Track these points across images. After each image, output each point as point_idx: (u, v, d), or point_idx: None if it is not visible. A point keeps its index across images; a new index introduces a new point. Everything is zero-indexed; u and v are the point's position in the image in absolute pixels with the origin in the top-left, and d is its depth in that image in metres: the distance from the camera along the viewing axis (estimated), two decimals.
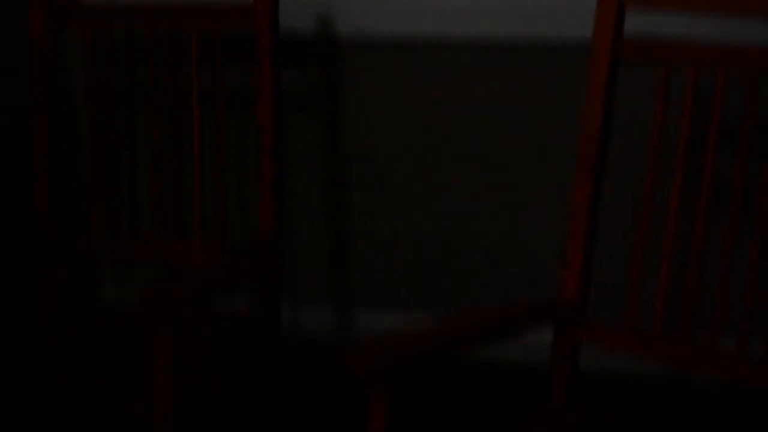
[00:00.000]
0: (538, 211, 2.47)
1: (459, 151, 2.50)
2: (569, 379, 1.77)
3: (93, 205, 2.17)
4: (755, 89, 1.60)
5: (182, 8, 2.10)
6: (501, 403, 2.44)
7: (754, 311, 1.66)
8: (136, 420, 1.74)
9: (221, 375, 1.92)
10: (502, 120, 2.45)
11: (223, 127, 2.10)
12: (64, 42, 2.53)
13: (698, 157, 2.34)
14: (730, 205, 2.33)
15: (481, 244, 2.55)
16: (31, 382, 1.86)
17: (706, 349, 1.64)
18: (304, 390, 2.56)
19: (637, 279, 1.73)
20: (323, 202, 2.62)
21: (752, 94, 1.61)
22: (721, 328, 1.65)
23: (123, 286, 2.74)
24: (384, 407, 1.42)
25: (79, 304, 2.68)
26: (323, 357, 2.67)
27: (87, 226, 2.18)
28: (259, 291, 2.12)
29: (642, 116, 2.34)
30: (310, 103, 2.54)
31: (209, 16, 2.08)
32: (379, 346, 1.41)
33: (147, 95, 2.30)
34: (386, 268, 2.62)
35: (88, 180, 2.19)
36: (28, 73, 2.26)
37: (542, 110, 2.42)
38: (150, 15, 2.11)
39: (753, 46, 1.59)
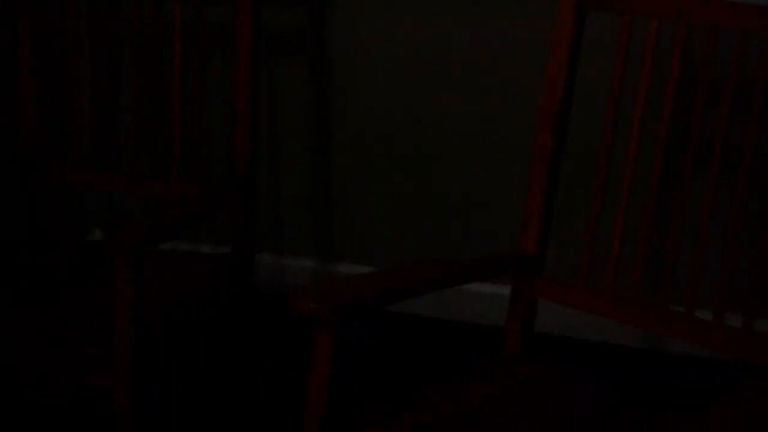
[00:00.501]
0: (515, 162, 2.48)
1: (435, 92, 2.49)
2: (524, 332, 1.77)
3: (76, 137, 2.18)
4: (715, 42, 1.60)
5: None
6: (461, 357, 2.46)
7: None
8: (96, 355, 1.75)
9: (186, 309, 1.93)
10: (483, 61, 2.44)
11: (204, 65, 2.10)
12: None
13: (676, 112, 2.33)
14: (704, 161, 2.32)
15: (458, 195, 2.55)
16: None
17: (657, 307, 1.65)
18: (269, 333, 2.59)
19: (591, 237, 1.73)
20: (305, 143, 2.62)
21: (712, 47, 1.60)
22: (679, 287, 1.65)
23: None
24: (327, 346, 1.43)
25: (62, 237, 2.69)
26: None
27: (70, 158, 2.20)
28: (233, 231, 2.13)
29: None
30: (294, 44, 2.54)
31: None
32: (321, 289, 1.43)
33: (131, 30, 2.29)
34: (367, 221, 2.63)
35: (74, 109, 2.19)
36: None
37: (519, 52, 2.41)
38: None
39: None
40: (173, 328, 1.91)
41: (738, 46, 1.58)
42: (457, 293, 2.60)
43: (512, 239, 2.52)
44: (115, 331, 1.72)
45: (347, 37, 2.50)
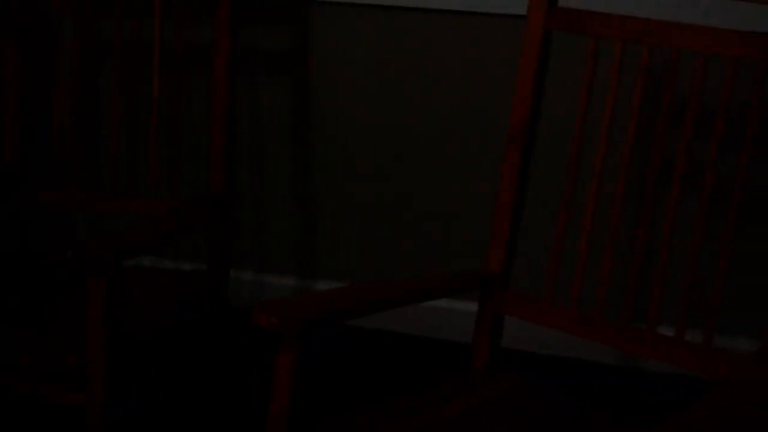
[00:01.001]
0: (485, 180, 2.49)
1: (410, 111, 2.51)
2: (492, 347, 1.79)
3: (57, 156, 2.19)
4: (678, 63, 1.62)
5: None
6: (433, 372, 2.47)
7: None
8: (68, 361, 1.77)
9: (164, 321, 1.94)
10: (456, 80, 2.45)
11: (183, 84, 2.11)
12: None
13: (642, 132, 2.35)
14: (672, 182, 2.33)
15: (436, 211, 2.56)
16: None
17: (620, 324, 1.66)
18: (247, 346, 2.59)
19: (557, 255, 1.74)
20: (287, 159, 2.63)
21: (675, 67, 1.62)
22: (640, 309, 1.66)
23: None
24: (290, 363, 1.44)
25: (50, 253, 2.70)
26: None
27: (51, 178, 2.21)
28: (209, 248, 2.14)
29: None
30: (279, 61, 2.55)
31: None
32: (284, 305, 1.44)
33: (112, 50, 2.31)
34: (346, 239, 2.64)
35: (55, 127, 2.21)
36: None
37: (492, 74, 2.43)
38: None
39: (676, 22, 1.60)
40: (152, 339, 1.92)
41: (700, 66, 1.59)
42: (429, 310, 2.63)
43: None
44: (87, 342, 1.74)
45: (326, 57, 2.52)
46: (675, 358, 1.62)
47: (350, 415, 1.59)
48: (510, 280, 1.79)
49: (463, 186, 2.52)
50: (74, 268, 2.19)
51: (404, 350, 2.59)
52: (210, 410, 2.29)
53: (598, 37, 1.67)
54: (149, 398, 2.38)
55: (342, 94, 2.54)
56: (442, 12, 2.41)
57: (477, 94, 2.45)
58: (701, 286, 2.40)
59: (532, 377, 2.46)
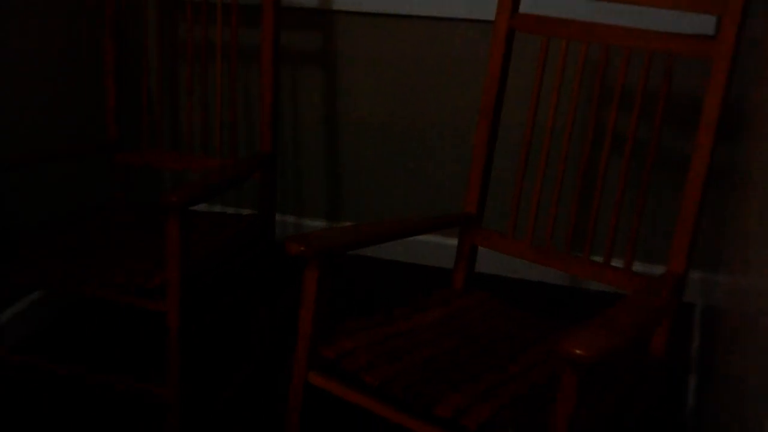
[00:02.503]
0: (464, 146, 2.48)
1: (410, 94, 2.50)
2: (468, 271, 1.79)
3: (147, 129, 2.19)
4: (606, 57, 1.60)
5: None
6: (423, 289, 2.48)
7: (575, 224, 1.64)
8: (152, 282, 1.77)
9: (223, 252, 1.95)
10: (443, 70, 2.44)
11: (239, 72, 2.11)
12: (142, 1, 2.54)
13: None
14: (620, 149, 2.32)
15: (429, 167, 2.56)
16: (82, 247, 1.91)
17: (563, 253, 1.66)
18: (287, 274, 2.60)
19: (516, 202, 1.74)
20: (318, 131, 2.63)
21: (604, 59, 1.61)
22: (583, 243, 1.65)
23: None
24: (314, 279, 1.45)
25: (141, 200, 2.71)
26: None
27: (141, 142, 2.23)
28: (259, 196, 2.14)
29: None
30: (312, 56, 2.55)
31: None
32: (306, 236, 1.44)
33: (186, 47, 2.31)
34: (363, 190, 2.64)
35: (144, 107, 2.21)
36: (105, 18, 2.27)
37: (469, 65, 2.41)
38: None
39: (608, 24, 1.58)
40: (214, 268, 1.93)
41: (624, 57, 1.58)
42: (422, 242, 2.64)
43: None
44: (167, 270, 1.75)
45: (347, 52, 2.51)
46: (604, 278, 1.62)
47: (357, 319, 1.60)
48: (482, 219, 1.78)
49: (450, 149, 2.52)
50: (158, 211, 2.20)
51: (402, 274, 2.60)
52: (257, 316, 2.30)
53: (549, 35, 1.66)
54: (214, 309, 2.40)
55: (359, 80, 2.53)
56: (437, 19, 2.40)
57: (463, 79, 2.44)
58: (624, 225, 2.40)
59: (497, 294, 2.46)
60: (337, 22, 2.49)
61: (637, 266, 2.46)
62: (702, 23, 2.15)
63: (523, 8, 2.26)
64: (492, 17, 2.31)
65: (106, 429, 1.89)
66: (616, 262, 2.40)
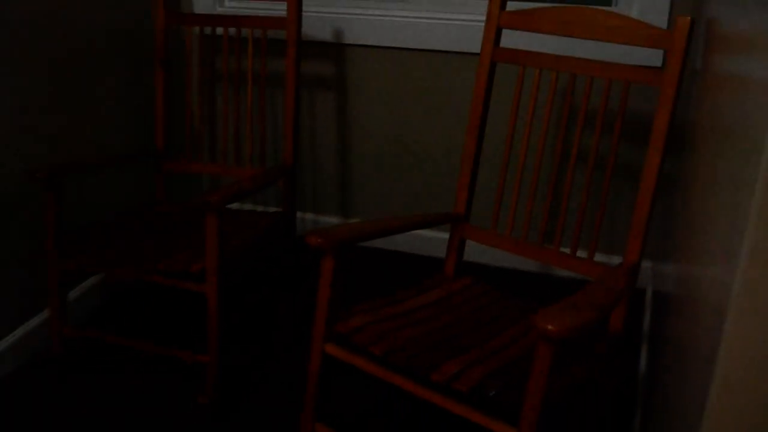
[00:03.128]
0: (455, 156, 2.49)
1: (410, 114, 2.50)
2: (457, 260, 1.79)
3: (189, 142, 2.19)
4: (572, 84, 1.60)
5: (244, 17, 2.11)
6: (421, 275, 2.48)
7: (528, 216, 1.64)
8: (194, 267, 1.78)
9: (253, 244, 1.95)
10: (438, 94, 2.44)
11: (266, 96, 2.11)
12: (181, 34, 2.54)
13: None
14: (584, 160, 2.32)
15: (425, 172, 2.56)
16: (132, 238, 1.91)
17: (536, 245, 1.66)
18: (306, 263, 2.60)
19: (498, 202, 1.74)
20: (333, 144, 2.63)
21: (570, 85, 1.61)
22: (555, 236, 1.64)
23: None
24: (330, 267, 1.45)
25: (178, 200, 2.71)
26: None
27: (184, 154, 2.24)
28: (283, 198, 2.14)
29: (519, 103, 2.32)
30: (328, 82, 2.55)
31: (259, 23, 2.10)
32: (323, 231, 1.44)
33: (222, 74, 2.32)
34: (369, 192, 2.64)
35: (187, 124, 2.22)
36: (156, 50, 2.27)
37: (460, 90, 2.41)
38: (227, 20, 2.14)
39: (574, 57, 1.58)
40: (245, 257, 1.94)
41: (588, 84, 1.58)
42: (419, 236, 2.63)
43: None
44: (206, 258, 1.75)
45: (356, 77, 2.51)
46: (571, 266, 1.62)
47: (365, 301, 1.60)
48: (469, 217, 1.78)
49: (442, 159, 2.52)
50: (199, 209, 2.20)
51: (403, 262, 2.60)
52: (280, 300, 2.30)
53: (525, 65, 1.66)
54: (246, 290, 2.40)
55: (366, 101, 2.53)
56: (432, 51, 2.40)
57: (454, 101, 2.44)
58: (588, 223, 2.40)
59: (483, 279, 2.46)
60: (348, 53, 2.49)
61: (599, 257, 2.46)
62: (652, 56, 2.15)
63: (504, 43, 2.26)
64: (478, 50, 2.31)
65: (157, 388, 1.89)
66: (581, 253, 2.41)
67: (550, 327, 1.10)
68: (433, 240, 2.63)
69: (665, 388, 1.33)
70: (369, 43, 2.43)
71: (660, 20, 2.11)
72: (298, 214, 2.76)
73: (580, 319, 1.13)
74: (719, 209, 1.00)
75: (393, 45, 2.41)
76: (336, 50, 2.50)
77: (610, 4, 2.25)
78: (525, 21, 1.64)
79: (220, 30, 2.53)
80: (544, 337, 1.14)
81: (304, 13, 2.48)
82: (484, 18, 2.31)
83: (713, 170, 1.19)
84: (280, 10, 2.50)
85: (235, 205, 2.82)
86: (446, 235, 2.60)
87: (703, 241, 1.16)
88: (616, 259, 2.45)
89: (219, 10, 2.55)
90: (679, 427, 1.05)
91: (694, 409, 0.87)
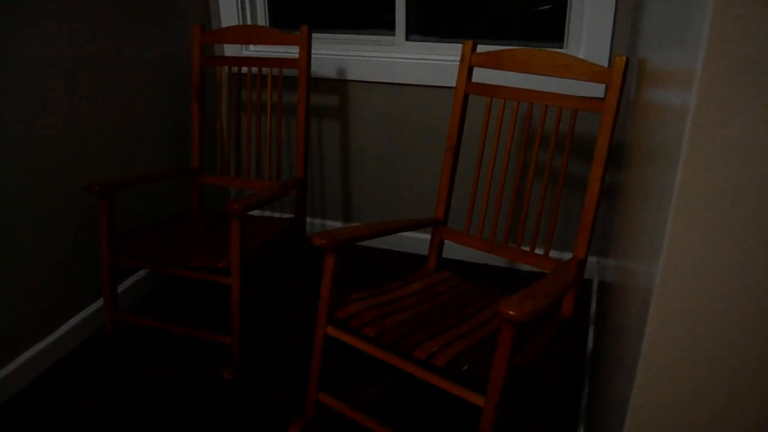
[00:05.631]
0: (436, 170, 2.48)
1: (400, 136, 2.49)
2: (437, 257, 1.78)
3: (219, 159, 2.18)
4: (531, 112, 1.59)
5: (264, 59, 2.10)
6: (405, 269, 2.46)
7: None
8: (221, 263, 1.76)
9: (269, 244, 1.94)
10: (423, 120, 2.43)
11: (282, 122, 2.09)
12: (213, 72, 2.53)
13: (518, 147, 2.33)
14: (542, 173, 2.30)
15: (413, 184, 2.54)
16: (171, 241, 1.89)
17: (502, 245, 1.64)
18: (313, 261, 2.58)
19: (470, 208, 1.72)
20: (337, 161, 2.62)
21: (529, 114, 1.59)
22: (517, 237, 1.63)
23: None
24: (332, 263, 1.43)
25: (213, 209, 2.70)
26: None
27: (215, 170, 2.23)
28: (295, 206, 2.13)
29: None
30: (333, 111, 2.53)
31: (276, 64, 2.08)
32: (326, 233, 1.43)
33: (247, 103, 2.31)
34: (366, 200, 2.63)
35: (217, 145, 2.20)
36: (192, 86, 2.26)
37: (441, 116, 2.40)
38: (250, 61, 2.12)
39: (532, 89, 1.57)
40: (263, 255, 1.92)
41: (543, 111, 1.57)
42: (406, 237, 2.61)
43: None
44: (231, 256, 1.73)
45: (357, 108, 2.50)
46: (530, 261, 1.61)
47: (360, 291, 1.59)
48: (447, 221, 1.77)
49: (426, 172, 2.50)
50: (224, 216, 2.19)
51: (392, 258, 2.58)
52: (291, 291, 2.29)
53: (492, 96, 1.65)
54: (264, 283, 2.38)
55: (365, 126, 2.52)
56: (418, 86, 2.39)
57: (436, 125, 2.43)
58: (544, 225, 2.38)
59: (459, 273, 2.44)
60: (350, 87, 2.48)
61: (554, 253, 2.44)
62: (597, 88, 2.14)
63: (475, 78, 2.25)
64: (454, 84, 2.30)
65: (189, 364, 1.88)
66: (539, 250, 2.39)
67: (511, 312, 1.09)
68: (417, 240, 2.61)
69: (606, 364, 1.32)
70: (367, 79, 2.42)
71: (602, 59, 2.11)
72: (308, 220, 2.75)
73: (536, 306, 1.11)
74: (647, 212, 1.00)
75: (386, 81, 2.40)
76: (340, 85, 2.49)
77: (562, 47, 2.24)
78: (492, 61, 1.63)
79: (245, 69, 2.52)
80: (506, 321, 1.13)
81: (313, 55, 2.47)
82: (458, 59, 2.30)
83: (643, 180, 1.18)
84: (294, 53, 2.50)
85: (255, 212, 2.80)
86: (428, 236, 2.59)
87: (635, 238, 1.15)
88: (568, 255, 2.44)
89: (245, 53, 2.55)
90: (615, 399, 1.04)
91: (627, 381, 0.86)
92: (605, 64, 2.11)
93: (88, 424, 1.64)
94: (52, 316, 1.90)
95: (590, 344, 1.89)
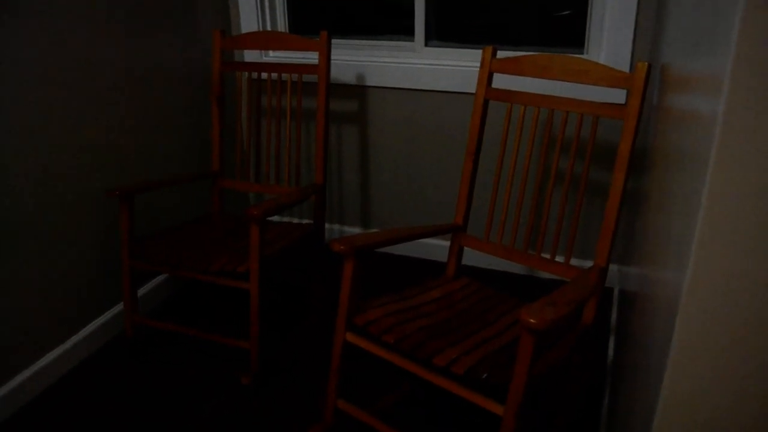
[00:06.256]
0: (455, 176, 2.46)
1: (419, 142, 2.48)
2: (457, 264, 1.76)
3: (239, 164, 2.18)
4: (551, 118, 1.57)
5: (284, 65, 2.10)
6: (425, 276, 2.45)
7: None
8: (240, 268, 1.76)
9: (289, 250, 1.94)
10: (442, 126, 2.42)
11: (300, 128, 2.09)
12: (233, 77, 2.54)
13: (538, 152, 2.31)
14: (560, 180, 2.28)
15: (431, 190, 2.53)
16: (190, 243, 1.90)
17: (521, 252, 1.63)
18: (332, 266, 2.58)
19: (490, 215, 1.71)
20: (356, 167, 2.61)
21: (550, 120, 1.58)
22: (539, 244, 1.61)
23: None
24: (351, 269, 1.43)
25: (233, 213, 2.71)
26: None
27: (235, 175, 2.23)
28: (314, 212, 2.13)
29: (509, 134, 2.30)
30: (352, 116, 2.53)
31: (295, 69, 2.08)
32: (345, 239, 1.42)
33: (267, 109, 2.31)
34: (384, 207, 2.62)
35: (237, 150, 2.21)
36: (212, 92, 2.27)
37: (459, 122, 2.39)
38: (270, 66, 2.12)
39: (552, 95, 1.56)
40: (282, 261, 1.92)
41: (564, 117, 1.55)
42: (425, 244, 2.60)
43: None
44: (250, 261, 1.74)
45: (374, 113, 2.50)
46: (551, 269, 1.59)
47: (379, 297, 1.58)
48: (467, 228, 1.76)
49: (445, 178, 2.49)
50: (244, 220, 2.19)
51: (411, 265, 2.57)
52: (310, 296, 2.29)
53: (512, 102, 1.64)
54: (281, 289, 2.38)
55: (383, 131, 2.52)
56: (437, 91, 2.38)
57: (454, 131, 2.42)
58: (564, 233, 2.36)
59: (478, 279, 2.43)
60: (369, 93, 2.48)
61: (574, 261, 2.42)
62: (618, 94, 2.12)
63: (496, 84, 2.24)
64: (474, 90, 2.29)
65: (208, 368, 1.88)
66: (559, 258, 2.37)
67: (532, 320, 1.07)
68: (436, 247, 2.60)
69: (629, 374, 1.30)
70: (386, 85, 2.41)
71: (623, 64, 2.08)
72: (327, 226, 2.75)
73: (556, 314, 1.10)
74: (673, 219, 0.98)
75: (405, 86, 2.39)
76: (359, 91, 2.49)
77: (582, 53, 2.22)
78: (511, 66, 1.62)
79: (264, 75, 2.53)
80: (527, 329, 1.12)
81: (332, 61, 2.48)
82: (478, 64, 2.29)
83: (668, 187, 1.16)
84: (314, 58, 2.50)
85: (275, 218, 2.81)
86: (446, 243, 2.58)
87: (660, 246, 1.13)
88: (589, 263, 2.41)
89: (264, 59, 2.56)
90: (639, 411, 1.02)
91: (652, 394, 0.85)
92: (626, 69, 2.09)
93: (108, 427, 1.65)
94: (73, 319, 1.92)
95: (611, 353, 1.87)
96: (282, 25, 2.57)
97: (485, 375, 1.25)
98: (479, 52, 2.32)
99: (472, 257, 2.54)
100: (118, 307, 2.07)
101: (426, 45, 2.39)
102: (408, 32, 2.42)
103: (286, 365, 1.91)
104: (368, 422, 1.44)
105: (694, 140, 0.82)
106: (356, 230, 2.72)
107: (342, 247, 1.38)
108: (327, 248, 2.63)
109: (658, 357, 0.83)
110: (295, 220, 2.82)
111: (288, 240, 1.97)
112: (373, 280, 2.42)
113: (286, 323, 2.14)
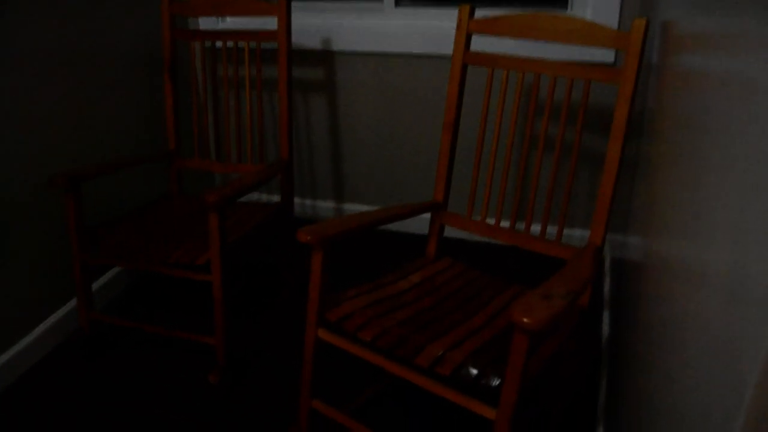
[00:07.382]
0: (433, 143, 2.33)
1: (393, 109, 2.33)
2: (437, 241, 1.64)
3: (197, 142, 2.02)
4: (537, 83, 1.43)
5: (241, 31, 1.92)
6: (405, 255, 2.33)
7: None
8: (199, 260, 1.62)
9: (253, 234, 1.79)
10: (416, 90, 2.27)
11: (262, 99, 1.93)
12: (188, 47, 2.35)
13: (522, 120, 2.17)
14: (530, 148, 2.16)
15: (408, 162, 2.40)
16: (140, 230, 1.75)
17: (507, 229, 1.50)
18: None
19: (473, 190, 1.57)
20: (326, 139, 2.46)
21: (536, 84, 1.44)
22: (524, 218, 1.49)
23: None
24: (319, 260, 1.29)
25: (191, 193, 2.55)
26: None
27: (192, 153, 2.07)
28: (281, 188, 1.98)
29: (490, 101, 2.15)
30: (319, 85, 2.37)
31: (254, 36, 1.91)
32: (312, 228, 1.28)
33: (224, 80, 2.15)
34: (359, 179, 2.48)
35: (194, 126, 2.04)
36: (165, 62, 2.09)
37: (436, 87, 2.24)
38: (226, 35, 1.94)
39: (539, 58, 1.41)
40: (248, 245, 1.78)
41: (552, 82, 1.41)
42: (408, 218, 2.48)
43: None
44: (210, 251, 1.59)
45: (342, 80, 2.34)
46: (539, 247, 1.47)
47: (355, 287, 1.45)
48: (447, 205, 1.62)
49: (423, 149, 2.36)
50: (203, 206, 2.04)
51: (392, 239, 2.44)
52: (279, 284, 2.15)
53: (494, 67, 1.49)
54: (247, 275, 2.25)
55: (352, 100, 2.36)
56: (409, 55, 2.22)
57: (430, 99, 2.27)
58: (555, 207, 2.25)
59: (460, 259, 2.31)
60: (335, 59, 2.31)
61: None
62: (601, 53, 1.98)
63: (474, 47, 2.08)
64: (451, 53, 2.13)
65: (172, 367, 1.74)
66: (550, 228, 2.25)
67: (525, 320, 0.94)
68: (416, 220, 2.47)
69: (633, 345, 1.19)
70: (353, 49, 2.25)
71: (611, 21, 1.94)
72: (299, 200, 2.60)
73: (553, 310, 0.97)
74: (681, 188, 0.86)
75: (374, 50, 2.23)
76: (324, 57, 2.32)
77: (566, 8, 2.07)
78: (491, 26, 1.47)
79: (220, 43, 2.34)
80: (520, 329, 0.99)
81: (295, 26, 2.29)
82: (454, 25, 2.13)
83: (675, 153, 1.03)
84: (273, 24, 2.32)
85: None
86: (428, 215, 2.45)
87: (666, 214, 1.02)
88: (576, 232, 2.30)
89: (220, 26, 2.37)
90: (655, 402, 0.90)
91: (671, 357, 0.73)
92: (615, 26, 1.94)
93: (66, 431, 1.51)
94: (26, 317, 1.76)
95: (606, 327, 1.76)
96: None
97: (475, 373, 1.13)
98: (455, 12, 2.15)
99: (456, 229, 2.42)
100: (74, 303, 1.91)
101: (397, 6, 2.22)
102: None
103: (257, 356, 1.77)
104: (345, 423, 1.32)
105: (706, 103, 0.70)
106: (330, 204, 2.58)
107: (308, 238, 1.24)
108: (296, 227, 2.49)
109: (655, 324, 0.70)
110: (264, 196, 2.66)
111: (253, 222, 1.83)
112: (351, 257, 2.29)
113: (256, 306, 2.01)
